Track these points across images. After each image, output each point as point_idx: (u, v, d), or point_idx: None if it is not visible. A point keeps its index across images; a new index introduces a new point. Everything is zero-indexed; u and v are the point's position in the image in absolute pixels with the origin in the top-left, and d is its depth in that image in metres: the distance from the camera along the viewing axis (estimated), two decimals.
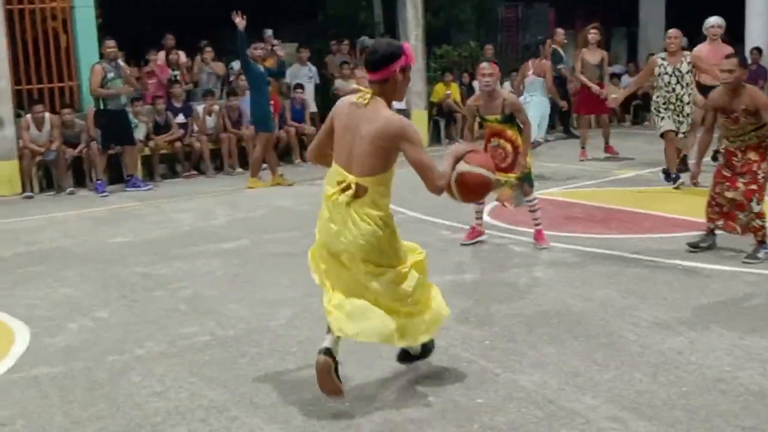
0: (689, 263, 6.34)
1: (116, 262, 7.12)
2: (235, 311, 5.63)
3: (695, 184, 7.73)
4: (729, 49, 10.06)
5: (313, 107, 13.87)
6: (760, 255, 6.39)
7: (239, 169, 12.58)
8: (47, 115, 11.33)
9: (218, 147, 12.69)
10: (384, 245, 3.88)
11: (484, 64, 7.07)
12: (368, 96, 3.89)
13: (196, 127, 12.62)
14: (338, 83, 13.99)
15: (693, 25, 12.07)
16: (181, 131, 12.40)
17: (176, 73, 13.23)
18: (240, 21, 10.29)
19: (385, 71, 3.87)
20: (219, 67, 13.75)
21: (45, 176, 11.59)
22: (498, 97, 6.93)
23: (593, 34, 12.29)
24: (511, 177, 6.94)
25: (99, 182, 11.13)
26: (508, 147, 7.01)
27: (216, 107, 12.79)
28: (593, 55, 12.23)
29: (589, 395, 4.01)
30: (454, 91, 15.01)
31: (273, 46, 13.63)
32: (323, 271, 4.05)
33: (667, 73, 9.53)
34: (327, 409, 3.96)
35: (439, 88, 15.07)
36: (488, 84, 6.89)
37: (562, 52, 13.97)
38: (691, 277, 6.01)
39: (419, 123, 14.68)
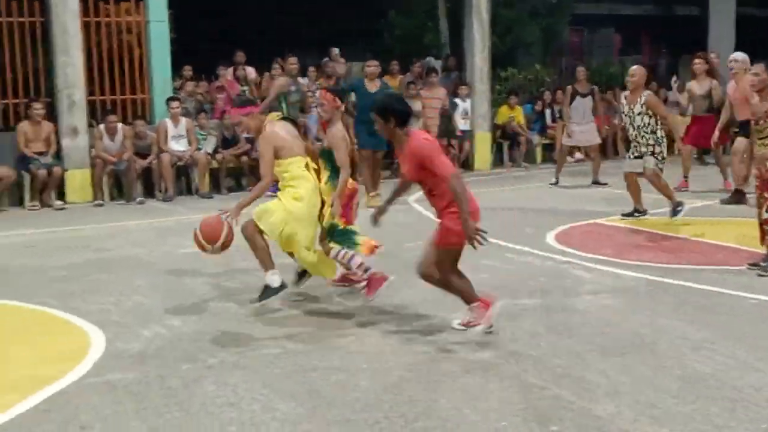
0: (761, 297, 6.20)
1: (185, 273, 7.23)
2: (304, 325, 5.67)
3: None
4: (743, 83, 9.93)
5: None
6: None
7: None
8: (120, 125, 11.61)
9: None
10: None
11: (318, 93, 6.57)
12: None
13: None
14: None
15: (764, 50, 11.88)
16: (248, 146, 12.57)
17: (245, 88, 13.44)
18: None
19: None
20: None
21: (116, 185, 11.84)
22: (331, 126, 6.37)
23: (698, 65, 11.99)
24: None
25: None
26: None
27: None
28: (701, 86, 11.82)
29: (666, 428, 3.94)
30: (518, 114, 14.97)
31: (342, 64, 13.83)
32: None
33: (623, 112, 9.34)
34: (399, 431, 3.96)
35: (504, 110, 15.05)
36: (319, 114, 6.68)
37: None
38: (764, 312, 5.87)
39: (482, 145, 14.70)
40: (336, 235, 6.25)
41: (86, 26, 11.95)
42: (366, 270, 6.16)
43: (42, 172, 10.97)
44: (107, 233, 9.19)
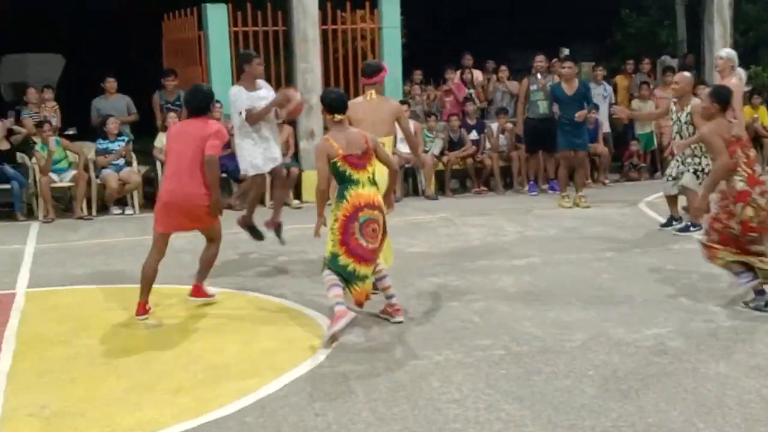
0: None
1: (413, 272, 7.39)
2: (528, 328, 5.63)
3: None
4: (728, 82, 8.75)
5: (606, 127, 13.56)
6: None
7: (526, 187, 12.61)
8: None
9: (508, 164, 12.83)
10: None
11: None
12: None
13: (488, 144, 12.84)
14: (635, 104, 13.59)
15: None
16: (474, 148, 12.67)
17: (472, 91, 13.55)
18: None
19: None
20: (513, 85, 13.86)
21: None
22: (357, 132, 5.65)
23: None
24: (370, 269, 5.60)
25: (531, 183, 12.42)
26: (381, 218, 5.67)
27: (509, 125, 12.93)
28: None
29: None
30: (762, 115, 14.01)
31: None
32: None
33: (671, 119, 8.94)
34: None
35: (747, 110, 14.11)
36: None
37: None
38: None
39: None
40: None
41: (324, 34, 12.54)
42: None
43: (282, 172, 11.61)
44: None
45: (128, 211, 11.31)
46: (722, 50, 10.23)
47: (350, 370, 4.88)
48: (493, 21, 20.40)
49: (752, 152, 6.18)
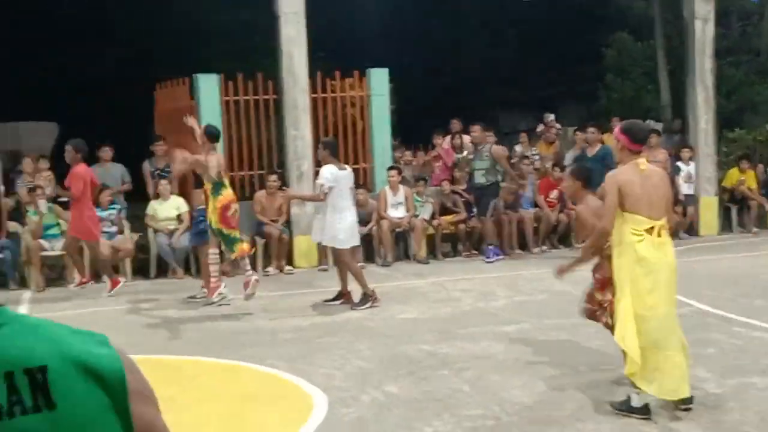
0: None
1: (403, 338, 7.42)
2: (519, 397, 5.64)
3: None
4: None
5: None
6: None
7: (518, 251, 12.68)
8: None
9: (498, 228, 12.91)
10: None
11: None
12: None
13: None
14: None
15: None
16: (465, 214, 12.78)
17: (460, 156, 13.71)
18: None
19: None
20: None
21: None
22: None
23: None
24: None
25: (489, 248, 12.18)
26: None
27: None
28: None
29: None
30: (749, 178, 14.21)
31: (557, 129, 13.82)
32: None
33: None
34: None
35: (733, 173, 14.34)
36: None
37: None
38: None
39: (708, 210, 14.07)
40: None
41: (314, 102, 12.75)
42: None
43: (275, 238, 11.67)
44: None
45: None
46: None
47: None
48: (483, 87, 20.73)
49: None
